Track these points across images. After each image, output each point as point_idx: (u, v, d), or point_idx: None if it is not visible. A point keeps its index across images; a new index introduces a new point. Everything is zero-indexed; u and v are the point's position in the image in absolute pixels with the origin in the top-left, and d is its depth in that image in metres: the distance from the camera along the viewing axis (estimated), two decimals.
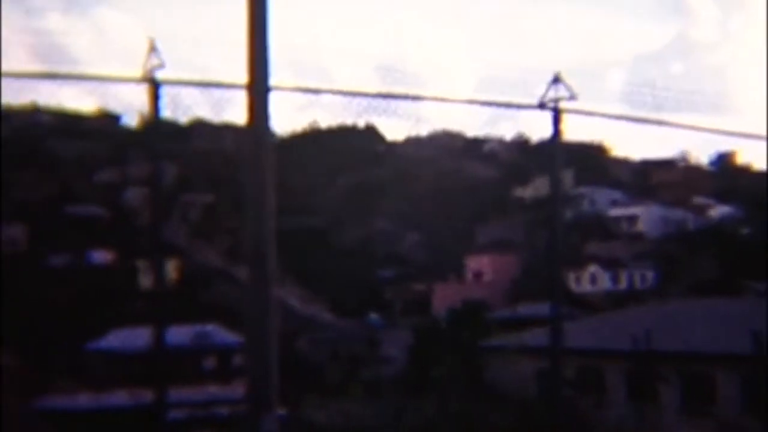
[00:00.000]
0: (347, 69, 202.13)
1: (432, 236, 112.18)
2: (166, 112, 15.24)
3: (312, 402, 33.72)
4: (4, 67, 14.06)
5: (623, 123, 19.60)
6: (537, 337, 33.94)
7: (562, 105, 17.39)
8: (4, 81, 14.26)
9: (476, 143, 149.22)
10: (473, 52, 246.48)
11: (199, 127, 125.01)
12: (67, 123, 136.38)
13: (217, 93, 15.43)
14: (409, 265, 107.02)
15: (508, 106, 17.62)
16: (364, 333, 78.28)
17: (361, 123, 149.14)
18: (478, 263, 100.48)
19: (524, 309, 65.45)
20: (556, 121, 17.52)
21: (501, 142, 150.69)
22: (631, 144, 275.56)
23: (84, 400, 50.11)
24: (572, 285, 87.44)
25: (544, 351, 18.33)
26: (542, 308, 36.43)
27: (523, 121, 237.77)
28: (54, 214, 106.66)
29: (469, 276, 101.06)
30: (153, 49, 14.30)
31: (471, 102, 18.46)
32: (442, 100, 18.48)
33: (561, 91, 17.36)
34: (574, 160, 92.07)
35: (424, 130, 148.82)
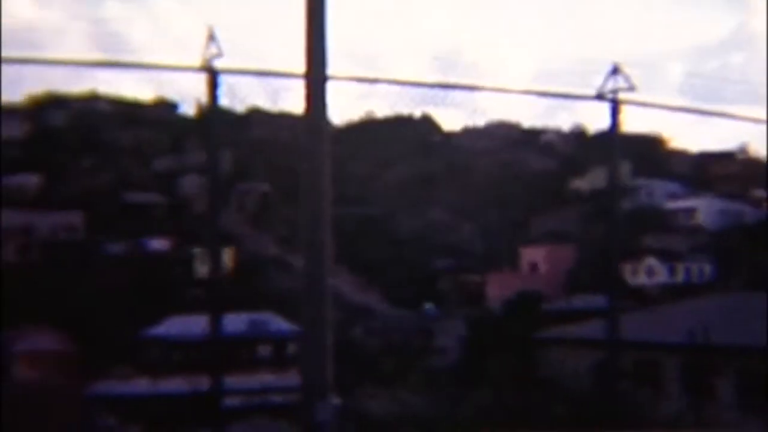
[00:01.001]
0: (404, 59, 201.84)
1: (487, 227, 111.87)
2: (224, 101, 15.29)
3: (366, 391, 33.76)
4: (65, 55, 14.17)
5: (682, 114, 19.51)
6: (593, 329, 33.76)
7: (621, 96, 17.26)
8: (64, 69, 14.41)
9: (533, 134, 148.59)
10: (531, 42, 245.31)
11: (256, 115, 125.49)
12: (126, 111, 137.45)
13: (274, 82, 15.47)
14: (463, 255, 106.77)
15: (565, 96, 17.54)
16: (419, 323, 78.30)
17: (417, 113, 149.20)
18: (534, 254, 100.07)
19: (580, 301, 65.12)
20: (615, 112, 17.40)
21: (558, 133, 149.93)
22: (690, 136, 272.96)
23: (141, 386, 50.54)
24: (628, 277, 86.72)
25: (600, 343, 18.24)
26: (598, 300, 36.16)
27: (581, 111, 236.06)
28: (112, 201, 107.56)
29: (524, 267, 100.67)
30: (211, 38, 14.36)
31: (528, 93, 18.39)
32: (499, 90, 18.45)
33: (620, 82, 17.24)
34: (632, 151, 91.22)
35: (480, 121, 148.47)
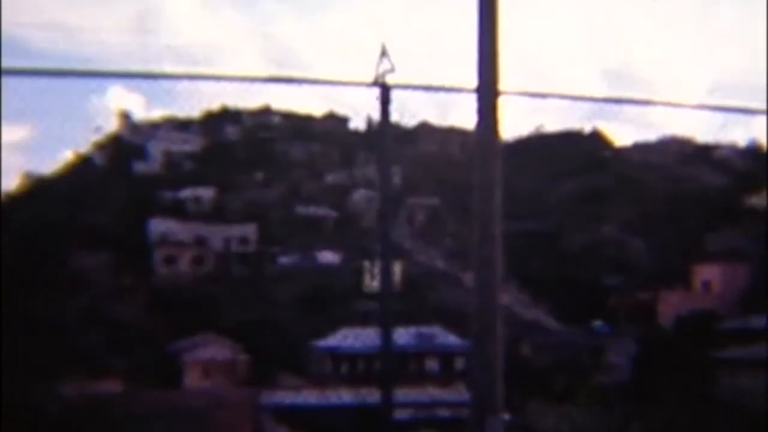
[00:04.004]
0: (574, 73, 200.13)
1: (658, 243, 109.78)
2: (395, 116, 15.36)
3: (536, 408, 33.50)
4: (238, 71, 14.45)
5: None
6: None
7: None
8: (238, 84, 14.66)
9: (707, 149, 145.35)
10: (705, 56, 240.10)
11: (426, 130, 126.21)
12: (297, 125, 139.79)
13: (444, 97, 15.45)
14: (633, 272, 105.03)
15: (741, 111, 17.09)
16: (588, 340, 77.28)
17: (587, 127, 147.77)
18: (707, 272, 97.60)
19: (757, 320, 63.27)
20: None
21: (733, 148, 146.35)
22: None
23: (310, 397, 51.16)
24: None
25: None
26: None
27: (758, 126, 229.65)
28: (283, 214, 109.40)
29: (697, 285, 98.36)
30: (384, 54, 14.45)
31: (702, 107, 17.98)
32: (671, 105, 18.06)
33: None
34: None
35: (652, 136, 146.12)
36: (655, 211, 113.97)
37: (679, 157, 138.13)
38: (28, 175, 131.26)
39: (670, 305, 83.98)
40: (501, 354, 10.89)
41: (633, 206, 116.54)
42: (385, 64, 14.46)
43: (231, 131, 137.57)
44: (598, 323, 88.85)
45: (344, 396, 47.20)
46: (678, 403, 31.39)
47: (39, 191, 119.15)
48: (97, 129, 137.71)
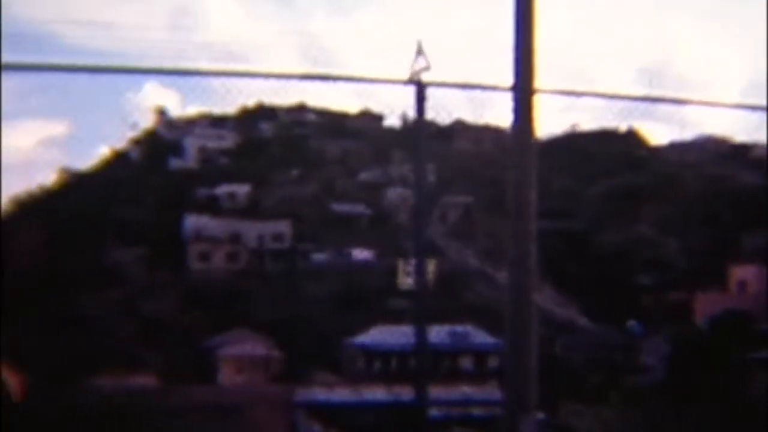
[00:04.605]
0: (610, 72, 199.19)
1: (694, 243, 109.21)
2: (430, 114, 15.36)
3: (569, 408, 33.41)
4: (273, 67, 14.50)
5: None
6: None
7: None
8: (273, 81, 14.69)
9: (744, 149, 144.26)
10: (742, 54, 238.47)
11: (460, 128, 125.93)
12: (332, 122, 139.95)
13: (479, 95, 15.43)
14: (669, 272, 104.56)
15: None
16: (623, 340, 77.01)
17: (622, 126, 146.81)
18: (743, 272, 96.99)
19: None
20: None
21: None
22: None
23: (343, 394, 51.24)
24: None
25: None
26: None
27: None
28: (317, 211, 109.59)
29: (733, 285, 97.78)
30: (420, 51, 14.44)
31: (738, 106, 17.75)
32: (708, 104, 17.84)
33: None
34: None
35: (688, 135, 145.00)
36: (690, 211, 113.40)
37: (715, 156, 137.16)
38: (65, 170, 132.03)
39: (705, 305, 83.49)
40: (535, 353, 10.89)
41: (669, 205, 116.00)
42: (421, 62, 14.46)
43: (266, 128, 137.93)
44: (632, 323, 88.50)
45: (378, 394, 47.22)
46: (712, 404, 31.23)
47: (75, 186, 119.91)
48: (134, 125, 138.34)
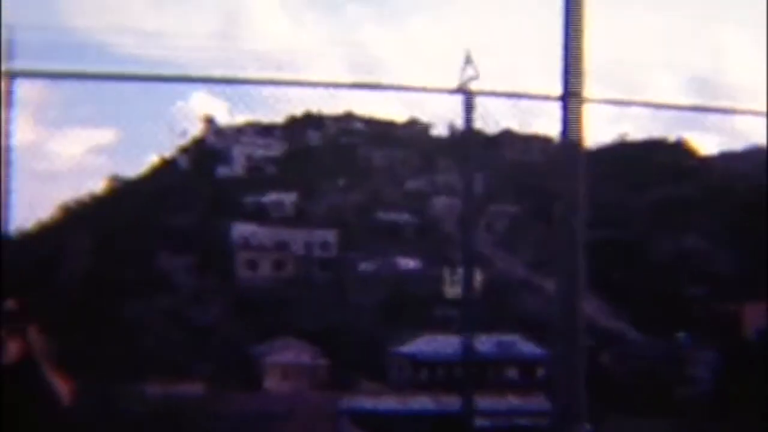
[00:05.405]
0: (659, 81, 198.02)
1: (745, 254, 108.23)
2: (478, 123, 15.36)
3: (617, 419, 33.21)
4: (321, 76, 14.57)
5: None
6: None
7: None
8: (321, 90, 14.78)
9: None
10: None
11: (507, 137, 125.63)
12: (379, 131, 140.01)
13: (527, 104, 15.43)
14: (718, 283, 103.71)
15: None
16: (671, 351, 76.42)
17: (671, 136, 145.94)
18: None
19: None
20: None
21: None
22: None
23: (389, 403, 51.26)
24: None
25: None
26: None
27: None
28: (364, 220, 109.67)
29: None
30: (468, 61, 14.45)
31: None
32: (758, 113, 17.70)
33: None
34: None
35: (738, 145, 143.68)
36: (741, 221, 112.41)
37: (765, 166, 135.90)
38: (114, 178, 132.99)
39: (755, 317, 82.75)
40: (583, 364, 10.84)
41: (718, 216, 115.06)
42: (469, 71, 14.46)
43: (313, 136, 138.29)
44: (681, 334, 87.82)
45: (424, 403, 47.22)
46: (761, 418, 30.92)
47: (124, 193, 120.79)
48: (182, 133, 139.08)
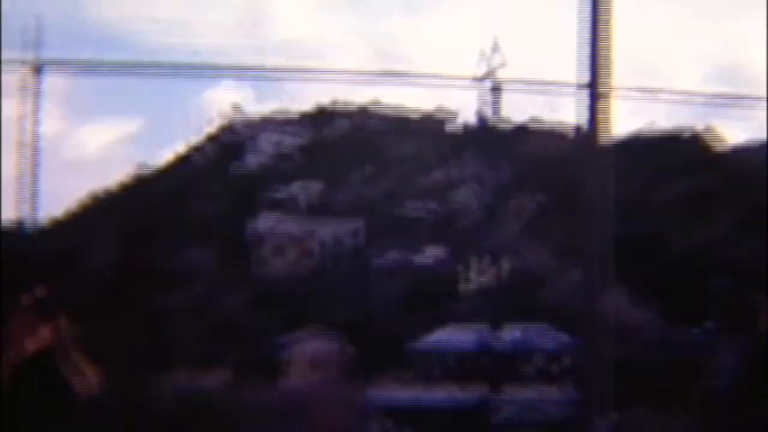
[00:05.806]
0: (684, 72, 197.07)
1: None
2: (503, 112, 15.36)
3: (642, 410, 33.16)
4: (347, 66, 14.57)
5: None
6: None
7: None
8: (346, 79, 14.81)
9: None
10: None
11: (533, 126, 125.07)
12: (404, 121, 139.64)
13: (552, 93, 15.44)
14: (744, 274, 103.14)
15: None
16: (696, 342, 76.19)
17: (697, 126, 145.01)
18: None
19: None
20: None
21: None
22: None
23: (415, 393, 51.36)
24: None
25: None
26: None
27: None
28: (387, 210, 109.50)
29: None
30: (495, 49, 14.46)
31: None
32: None
33: None
34: None
35: (763, 135, 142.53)
36: (766, 212, 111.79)
37: None
38: (141, 167, 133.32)
39: None
40: (609, 354, 10.83)
41: (744, 207, 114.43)
42: (496, 60, 14.47)
43: (339, 126, 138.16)
44: (705, 326, 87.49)
45: (450, 392, 47.24)
46: None
47: (150, 182, 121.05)
48: (208, 122, 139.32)
